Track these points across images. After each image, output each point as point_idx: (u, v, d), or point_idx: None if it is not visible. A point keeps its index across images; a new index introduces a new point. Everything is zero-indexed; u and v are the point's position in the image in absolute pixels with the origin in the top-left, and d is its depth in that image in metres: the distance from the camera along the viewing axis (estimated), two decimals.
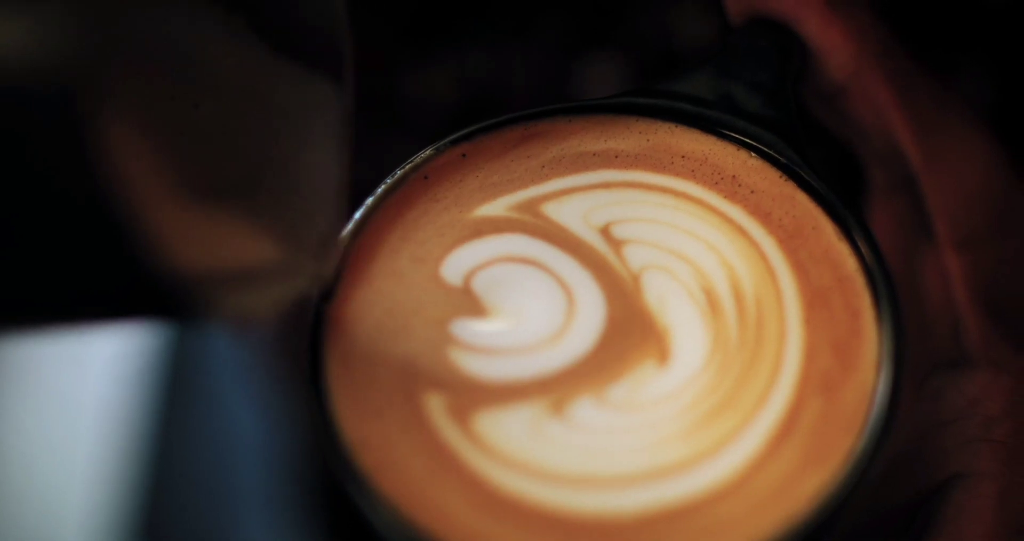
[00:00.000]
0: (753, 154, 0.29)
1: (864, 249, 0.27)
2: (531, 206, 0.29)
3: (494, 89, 0.47)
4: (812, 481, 0.24)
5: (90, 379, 0.86)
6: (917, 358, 0.31)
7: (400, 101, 0.49)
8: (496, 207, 0.29)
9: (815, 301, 0.26)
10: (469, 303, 0.27)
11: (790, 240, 0.27)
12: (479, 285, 0.27)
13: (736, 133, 0.29)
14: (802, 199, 0.28)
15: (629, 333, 0.26)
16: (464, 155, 0.29)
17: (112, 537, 0.75)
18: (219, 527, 0.70)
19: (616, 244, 0.28)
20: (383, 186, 0.29)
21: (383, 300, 0.27)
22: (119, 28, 0.19)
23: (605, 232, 0.28)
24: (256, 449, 0.68)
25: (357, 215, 0.28)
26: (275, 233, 0.26)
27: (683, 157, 0.29)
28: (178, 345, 0.73)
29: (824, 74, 0.31)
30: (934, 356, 0.31)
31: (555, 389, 0.26)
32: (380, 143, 0.30)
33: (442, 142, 0.29)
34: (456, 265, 0.28)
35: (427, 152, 0.29)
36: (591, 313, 0.27)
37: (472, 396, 0.26)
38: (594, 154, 0.29)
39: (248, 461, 0.68)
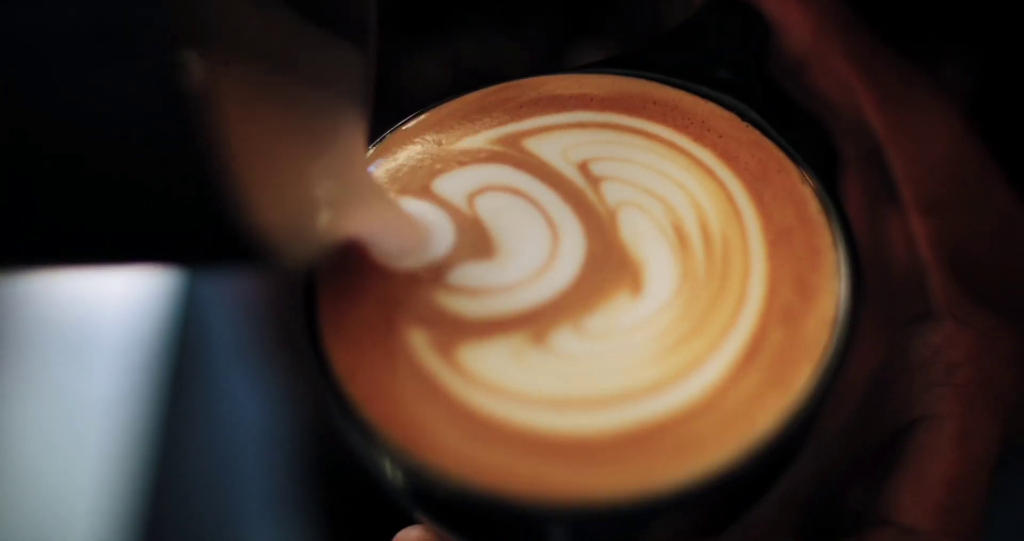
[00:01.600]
0: (720, 106, 0.30)
1: (823, 193, 0.28)
2: (512, 140, 0.30)
3: (487, 78, 0.48)
4: (774, 403, 0.25)
5: (94, 371, 0.87)
6: (886, 314, 0.33)
7: (394, 89, 0.50)
8: (478, 141, 0.30)
9: (778, 238, 0.28)
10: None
11: (755, 182, 0.29)
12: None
13: (701, 97, 0.31)
14: (767, 145, 0.30)
15: (606, 266, 0.28)
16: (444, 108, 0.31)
17: (116, 526, 0.75)
18: (220, 520, 0.71)
19: (594, 181, 0.29)
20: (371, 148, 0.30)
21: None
22: None
23: (583, 168, 0.29)
24: (258, 438, 0.69)
25: None
26: (301, 192, 0.26)
27: (654, 103, 0.31)
28: (178, 333, 0.74)
29: (786, 49, 0.32)
30: (902, 312, 0.32)
31: (536, 321, 0.27)
32: (374, 131, 0.31)
33: (423, 109, 0.31)
34: (441, 192, 0.29)
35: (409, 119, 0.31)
36: (573, 247, 0.28)
37: (455, 328, 0.27)
38: (570, 97, 0.31)
39: (250, 450, 0.69)
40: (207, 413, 0.73)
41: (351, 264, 0.28)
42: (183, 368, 0.75)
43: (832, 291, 0.27)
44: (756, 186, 0.29)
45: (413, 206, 0.29)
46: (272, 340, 0.65)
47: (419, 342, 0.27)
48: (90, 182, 0.20)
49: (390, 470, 0.26)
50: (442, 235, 0.28)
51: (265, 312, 0.65)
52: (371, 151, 0.30)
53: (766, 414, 0.25)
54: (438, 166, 0.30)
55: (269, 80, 0.27)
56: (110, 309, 0.90)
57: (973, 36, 0.46)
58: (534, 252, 0.28)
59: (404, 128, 0.31)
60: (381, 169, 0.30)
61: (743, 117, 0.30)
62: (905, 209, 0.32)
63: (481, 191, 0.29)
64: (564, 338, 0.27)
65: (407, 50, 0.50)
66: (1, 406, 0.88)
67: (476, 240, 0.28)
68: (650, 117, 0.30)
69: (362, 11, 0.27)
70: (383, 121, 0.31)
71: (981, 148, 0.34)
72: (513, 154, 0.30)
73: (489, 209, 0.29)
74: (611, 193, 0.29)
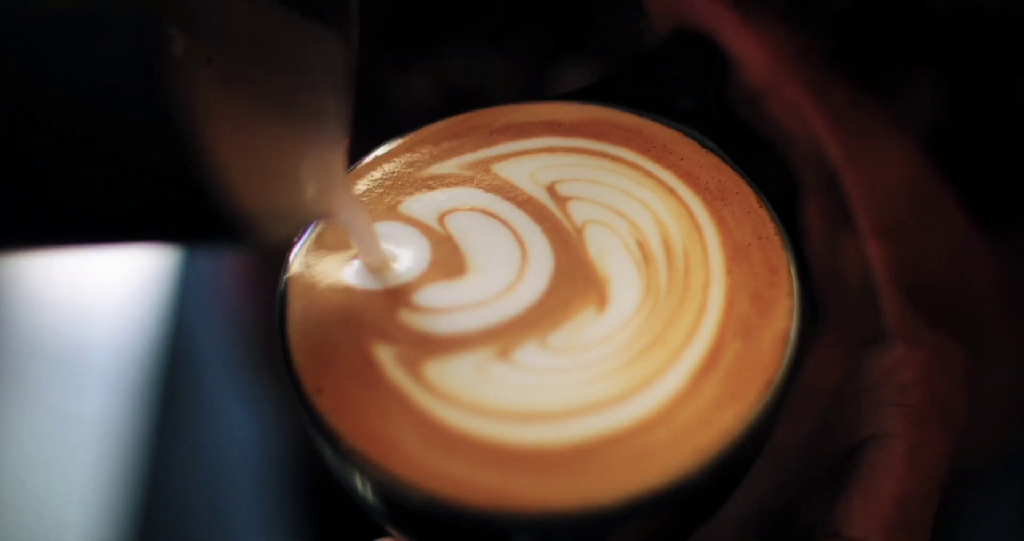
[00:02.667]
0: (681, 133, 0.32)
1: (777, 217, 0.30)
2: (482, 165, 0.31)
3: (473, 94, 0.49)
4: (730, 413, 0.26)
5: (86, 392, 0.88)
6: (846, 334, 0.34)
7: (383, 106, 0.51)
8: (448, 166, 0.31)
9: (737, 255, 0.29)
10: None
11: (715, 201, 0.30)
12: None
13: (663, 124, 0.32)
14: (726, 169, 0.31)
15: (574, 281, 0.29)
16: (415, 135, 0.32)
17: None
18: (211, 536, 0.71)
19: (561, 200, 0.30)
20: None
21: (334, 254, 0.30)
22: None
23: (550, 189, 0.30)
24: (247, 454, 0.69)
25: None
26: (283, 176, 0.27)
27: (619, 128, 0.32)
28: (167, 350, 0.75)
29: (745, 80, 0.34)
30: (859, 333, 0.33)
31: (503, 336, 0.28)
32: (363, 146, 0.32)
33: (393, 138, 0.32)
34: (410, 214, 0.30)
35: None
36: (541, 264, 0.29)
37: (422, 344, 0.28)
38: (538, 123, 0.32)
39: (239, 466, 0.69)
40: (196, 429, 0.74)
41: (320, 282, 0.29)
42: (172, 385, 0.75)
43: (787, 308, 0.28)
44: (716, 205, 0.30)
45: (382, 228, 0.30)
46: (259, 356, 0.66)
47: (386, 357, 0.27)
48: (76, 157, 0.21)
49: (359, 482, 0.27)
50: (409, 255, 0.29)
51: (252, 328, 0.65)
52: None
53: (720, 426, 0.26)
54: (408, 190, 0.31)
55: (251, 68, 0.28)
56: (100, 326, 0.91)
57: (943, 58, 0.47)
58: (502, 269, 0.29)
59: (374, 156, 0.32)
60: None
61: (703, 145, 0.31)
62: (860, 234, 0.33)
63: (450, 212, 0.30)
64: (529, 353, 0.27)
65: (394, 68, 0.50)
66: None
67: (444, 258, 0.29)
68: (615, 141, 0.32)
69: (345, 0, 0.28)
70: (371, 137, 0.32)
71: (934, 173, 0.35)
72: (482, 177, 0.31)
73: (458, 229, 0.30)
74: (578, 212, 0.30)
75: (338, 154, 0.28)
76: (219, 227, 0.22)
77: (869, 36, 0.47)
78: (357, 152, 0.31)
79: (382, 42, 0.49)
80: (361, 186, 0.31)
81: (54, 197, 0.22)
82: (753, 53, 0.33)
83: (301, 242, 0.30)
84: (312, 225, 0.30)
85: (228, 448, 0.72)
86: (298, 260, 0.30)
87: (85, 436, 0.86)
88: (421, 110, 0.50)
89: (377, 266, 0.29)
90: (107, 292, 0.93)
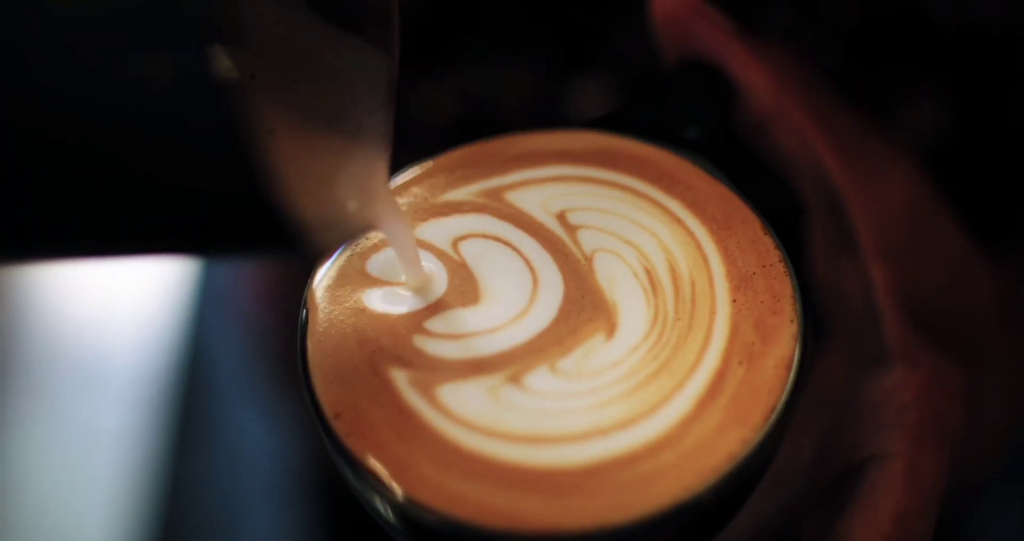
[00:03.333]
0: (689, 162, 0.33)
1: (781, 244, 0.30)
2: (494, 193, 0.32)
3: (489, 107, 0.50)
4: (735, 436, 0.27)
5: (104, 404, 0.88)
6: (851, 351, 0.35)
7: (399, 117, 0.52)
8: (461, 194, 0.32)
9: (742, 284, 0.30)
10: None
11: (721, 230, 0.31)
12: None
13: (672, 153, 0.33)
14: (732, 197, 0.32)
15: (582, 309, 0.30)
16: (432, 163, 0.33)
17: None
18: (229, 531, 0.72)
19: (571, 229, 0.31)
20: None
21: (352, 281, 0.31)
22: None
23: (561, 217, 0.32)
24: (266, 467, 0.70)
25: None
26: (328, 188, 0.28)
27: (629, 157, 0.33)
28: (186, 364, 0.76)
29: (751, 109, 0.35)
30: (862, 352, 0.34)
31: (515, 361, 0.29)
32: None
33: (409, 165, 0.33)
34: (425, 240, 0.31)
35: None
36: (552, 290, 0.30)
37: (437, 368, 0.29)
38: (550, 152, 0.33)
39: (257, 480, 0.70)
40: (215, 441, 0.74)
41: (339, 306, 0.30)
42: (191, 397, 0.76)
43: (790, 335, 0.29)
44: (722, 234, 0.31)
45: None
46: (277, 369, 0.67)
47: (402, 381, 0.28)
48: (125, 169, 0.22)
49: (378, 503, 0.28)
50: (434, 280, 0.30)
51: (270, 341, 0.66)
52: None
53: (725, 449, 0.27)
54: (424, 216, 0.32)
55: (294, 83, 0.28)
56: (119, 339, 0.92)
57: (948, 72, 0.48)
58: (514, 297, 0.30)
59: (392, 184, 0.33)
60: None
61: (710, 173, 0.32)
62: (863, 257, 0.34)
63: (464, 239, 0.31)
64: (540, 378, 0.28)
65: (412, 80, 0.51)
66: (12, 437, 0.89)
67: (459, 285, 0.30)
68: (624, 171, 0.33)
69: (386, 15, 0.28)
70: (394, 148, 0.33)
71: (935, 194, 0.36)
72: (495, 205, 0.32)
73: (472, 256, 0.31)
74: (587, 240, 0.31)
75: (381, 166, 0.29)
76: (268, 237, 0.22)
77: (875, 51, 0.48)
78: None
79: (406, 53, 0.50)
80: None
81: (106, 209, 0.23)
82: (759, 82, 0.34)
83: (324, 268, 0.31)
84: (345, 243, 0.31)
85: (246, 460, 0.72)
86: (320, 285, 0.31)
87: (103, 449, 0.87)
88: (437, 122, 0.51)
89: (417, 282, 0.30)
90: (126, 305, 0.94)
